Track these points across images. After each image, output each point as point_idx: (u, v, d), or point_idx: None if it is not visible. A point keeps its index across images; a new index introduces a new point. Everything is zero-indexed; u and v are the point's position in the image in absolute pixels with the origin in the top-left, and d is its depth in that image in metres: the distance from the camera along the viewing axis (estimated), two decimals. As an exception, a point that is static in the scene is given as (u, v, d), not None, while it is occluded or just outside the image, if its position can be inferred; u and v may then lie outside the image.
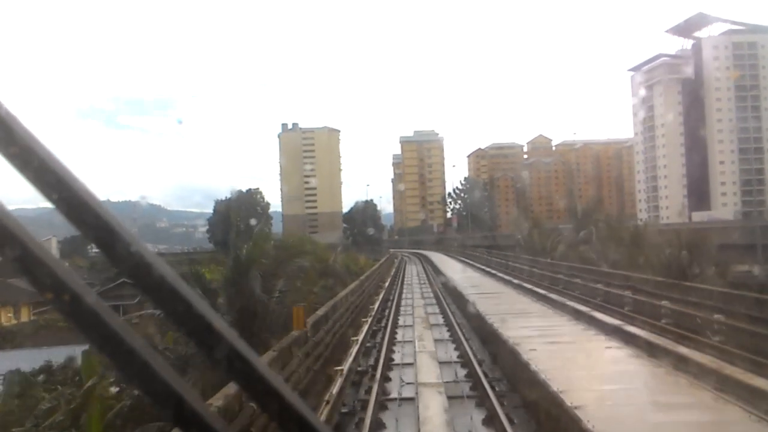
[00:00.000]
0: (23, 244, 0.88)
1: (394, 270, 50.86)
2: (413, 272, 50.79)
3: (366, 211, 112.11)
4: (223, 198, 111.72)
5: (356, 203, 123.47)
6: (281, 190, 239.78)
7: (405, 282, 41.06)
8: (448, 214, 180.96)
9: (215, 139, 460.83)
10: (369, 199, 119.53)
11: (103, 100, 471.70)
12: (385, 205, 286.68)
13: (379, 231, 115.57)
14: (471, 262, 53.92)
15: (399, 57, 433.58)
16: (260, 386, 0.97)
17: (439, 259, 64.45)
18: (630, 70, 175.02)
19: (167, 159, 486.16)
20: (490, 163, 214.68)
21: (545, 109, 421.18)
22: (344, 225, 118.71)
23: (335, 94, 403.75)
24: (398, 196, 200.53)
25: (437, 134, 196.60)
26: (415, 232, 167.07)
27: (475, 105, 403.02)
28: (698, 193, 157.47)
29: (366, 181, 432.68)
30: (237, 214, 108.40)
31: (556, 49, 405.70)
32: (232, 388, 8.83)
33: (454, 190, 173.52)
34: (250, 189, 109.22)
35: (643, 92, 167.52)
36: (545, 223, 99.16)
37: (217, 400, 8.70)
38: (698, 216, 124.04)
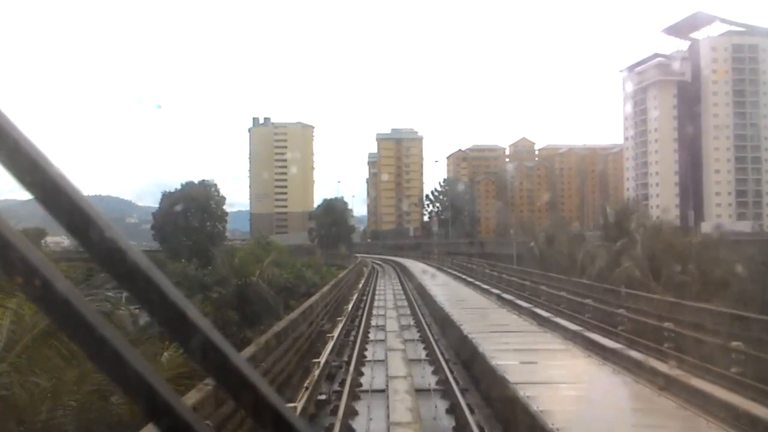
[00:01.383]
0: None
1: (351, 304, 26.12)
2: (387, 307, 27.90)
3: (335, 209, 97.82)
4: (173, 190, 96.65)
5: (324, 200, 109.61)
6: (250, 187, 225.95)
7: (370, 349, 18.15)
8: (425, 218, 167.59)
9: (187, 134, 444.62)
10: (339, 196, 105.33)
11: (76, 93, 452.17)
12: (359, 207, 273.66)
13: (349, 232, 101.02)
14: (480, 285, 33.51)
15: (378, 53, 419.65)
16: (235, 379, 0.94)
17: (426, 275, 45.14)
18: (622, 70, 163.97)
19: (139, 154, 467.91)
20: (471, 166, 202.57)
21: (529, 111, 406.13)
22: (309, 226, 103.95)
23: (310, 89, 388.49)
24: (373, 197, 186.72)
25: (416, 132, 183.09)
26: (390, 235, 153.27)
27: (455, 105, 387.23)
28: (691, 202, 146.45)
29: (340, 179, 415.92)
30: (187, 208, 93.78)
31: (542, 47, 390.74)
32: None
33: (432, 192, 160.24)
34: (203, 180, 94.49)
35: (635, 94, 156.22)
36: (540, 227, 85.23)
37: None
38: (706, 227, 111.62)
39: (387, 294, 34.28)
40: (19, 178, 0.87)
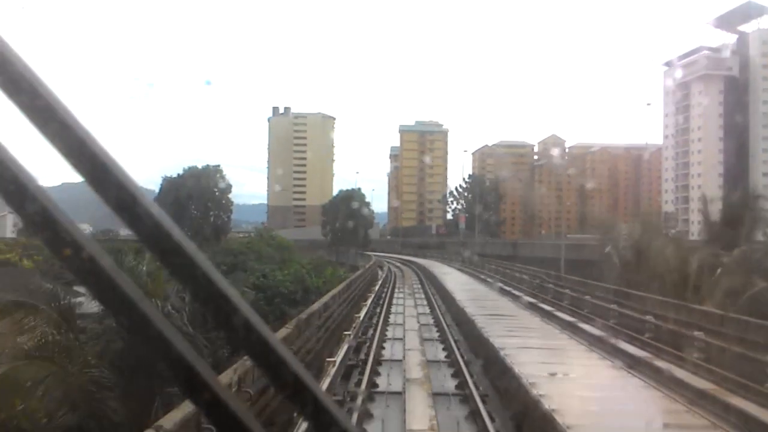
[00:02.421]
0: (41, 202, 0.87)
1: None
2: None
3: (351, 200, 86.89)
4: (175, 175, 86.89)
5: (340, 191, 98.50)
6: (268, 179, 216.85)
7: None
8: (449, 215, 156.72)
9: (209, 123, 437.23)
10: (357, 187, 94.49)
11: (101, 79, 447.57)
12: (380, 204, 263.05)
13: (367, 227, 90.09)
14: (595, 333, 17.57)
15: (403, 43, 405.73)
16: (274, 360, 0.95)
17: (476, 299, 28.73)
18: (664, 64, 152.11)
19: (163, 143, 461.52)
20: (497, 162, 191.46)
21: (560, 108, 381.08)
22: (323, 218, 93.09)
23: (332, 80, 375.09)
24: (393, 192, 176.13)
25: (441, 125, 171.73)
26: (411, 232, 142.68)
27: (482, 98, 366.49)
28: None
29: (360, 174, 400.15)
30: (188, 196, 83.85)
31: (576, 40, 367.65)
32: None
33: (457, 188, 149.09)
34: (207, 165, 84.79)
35: (678, 89, 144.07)
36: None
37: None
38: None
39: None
40: (66, 156, 0.88)
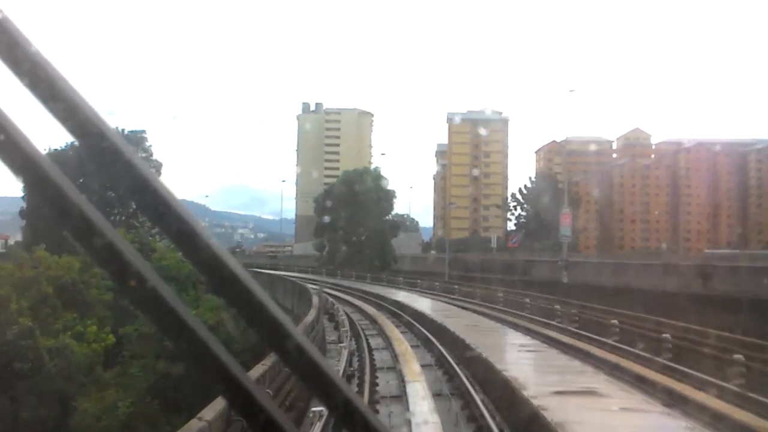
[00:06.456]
0: (108, 237, 0.90)
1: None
2: None
3: (361, 186, 47.75)
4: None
5: (345, 172, 60.87)
6: (296, 184, 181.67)
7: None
8: (510, 225, 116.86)
9: (240, 133, 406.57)
10: (374, 166, 55.73)
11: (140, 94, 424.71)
12: (424, 219, 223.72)
13: (389, 234, 49.86)
14: None
15: (451, 27, 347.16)
16: (325, 382, 0.97)
17: None
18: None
19: (214, 157, 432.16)
20: (566, 162, 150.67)
21: (644, 95, 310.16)
22: (317, 221, 54.18)
23: (369, 73, 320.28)
24: (440, 196, 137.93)
25: (500, 113, 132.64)
26: (462, 245, 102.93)
27: (546, 88, 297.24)
28: None
29: (400, 178, 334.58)
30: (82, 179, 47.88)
31: (659, 5, 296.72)
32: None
33: (520, 190, 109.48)
34: (122, 130, 48.29)
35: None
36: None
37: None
38: None
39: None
40: (133, 195, 0.91)
